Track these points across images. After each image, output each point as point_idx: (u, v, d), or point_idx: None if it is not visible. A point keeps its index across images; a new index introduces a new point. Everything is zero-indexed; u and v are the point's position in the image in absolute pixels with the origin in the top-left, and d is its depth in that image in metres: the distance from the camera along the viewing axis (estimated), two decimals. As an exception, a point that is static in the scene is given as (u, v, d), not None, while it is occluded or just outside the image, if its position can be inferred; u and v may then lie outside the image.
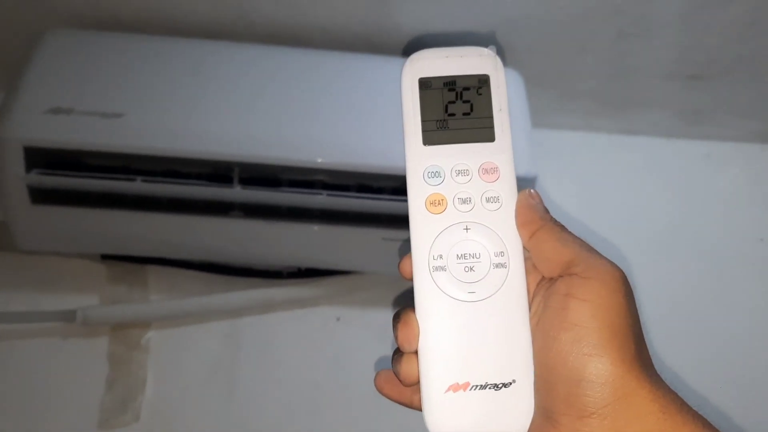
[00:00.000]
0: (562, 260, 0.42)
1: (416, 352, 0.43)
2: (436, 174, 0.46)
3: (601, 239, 1.01)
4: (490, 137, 0.46)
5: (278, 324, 0.94)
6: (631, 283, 0.42)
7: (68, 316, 0.87)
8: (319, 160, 0.80)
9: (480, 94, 0.47)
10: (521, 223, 0.45)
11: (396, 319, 0.44)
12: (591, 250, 0.43)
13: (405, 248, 0.46)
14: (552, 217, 0.45)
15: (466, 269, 0.44)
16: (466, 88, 0.47)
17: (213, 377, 0.90)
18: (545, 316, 0.42)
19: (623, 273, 0.42)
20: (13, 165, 0.77)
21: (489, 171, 0.46)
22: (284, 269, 0.94)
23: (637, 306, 0.44)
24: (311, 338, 0.94)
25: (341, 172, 0.81)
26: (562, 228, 0.45)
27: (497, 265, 0.44)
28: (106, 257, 0.93)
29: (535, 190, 0.46)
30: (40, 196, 0.80)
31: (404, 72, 0.47)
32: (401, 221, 0.83)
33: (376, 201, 0.81)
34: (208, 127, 0.79)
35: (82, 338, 0.90)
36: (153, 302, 0.93)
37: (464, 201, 0.45)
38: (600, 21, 0.90)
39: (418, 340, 0.43)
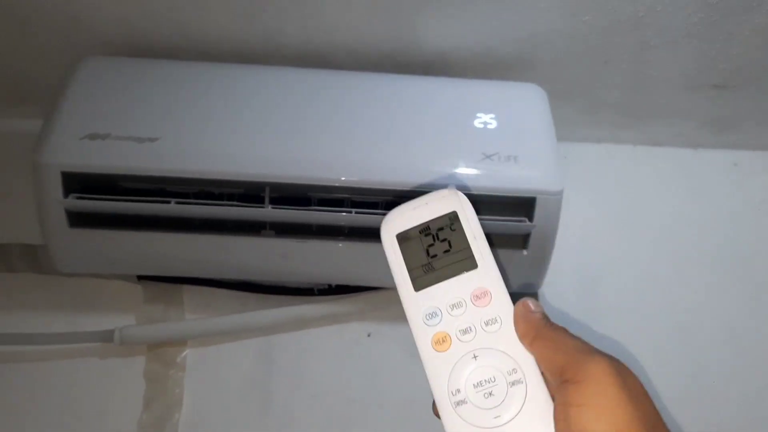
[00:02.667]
0: (556, 367, 0.43)
1: None
2: (434, 314, 0.48)
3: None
4: (473, 265, 0.49)
5: (311, 340, 0.95)
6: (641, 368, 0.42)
7: (106, 336, 0.89)
8: (348, 179, 0.81)
9: (454, 230, 0.51)
10: (520, 335, 0.46)
11: None
12: (584, 350, 0.43)
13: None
14: (548, 323, 0.46)
15: (486, 395, 0.45)
16: (441, 228, 0.51)
17: (248, 394, 0.92)
18: (557, 428, 0.42)
19: (618, 366, 0.41)
20: (51, 190, 0.79)
21: (480, 296, 0.48)
22: (315, 286, 0.95)
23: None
24: (343, 354, 0.95)
25: (369, 190, 0.81)
26: (558, 333, 0.45)
27: (513, 383, 0.45)
28: (142, 278, 0.95)
29: (531, 300, 0.48)
30: (78, 219, 0.82)
31: (382, 232, 0.52)
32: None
33: (404, 217, 0.81)
34: (240, 149, 0.81)
35: (119, 357, 0.92)
36: (188, 321, 0.94)
37: (465, 331, 0.47)
38: (623, 33, 0.90)
39: None
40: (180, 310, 0.95)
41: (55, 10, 0.87)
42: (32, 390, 0.90)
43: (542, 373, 0.45)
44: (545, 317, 0.47)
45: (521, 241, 0.84)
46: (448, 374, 0.46)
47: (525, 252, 0.84)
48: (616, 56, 0.94)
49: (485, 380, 0.46)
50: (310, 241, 0.84)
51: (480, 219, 0.80)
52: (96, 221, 0.82)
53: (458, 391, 0.46)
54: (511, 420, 0.44)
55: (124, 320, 0.92)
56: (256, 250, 0.85)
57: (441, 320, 0.48)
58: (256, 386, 0.92)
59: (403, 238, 0.51)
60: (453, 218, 0.51)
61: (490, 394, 0.45)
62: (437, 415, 0.47)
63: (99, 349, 0.91)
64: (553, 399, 0.44)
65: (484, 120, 0.86)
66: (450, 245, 0.50)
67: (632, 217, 1.06)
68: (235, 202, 0.81)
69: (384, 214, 0.80)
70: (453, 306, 0.48)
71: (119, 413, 0.89)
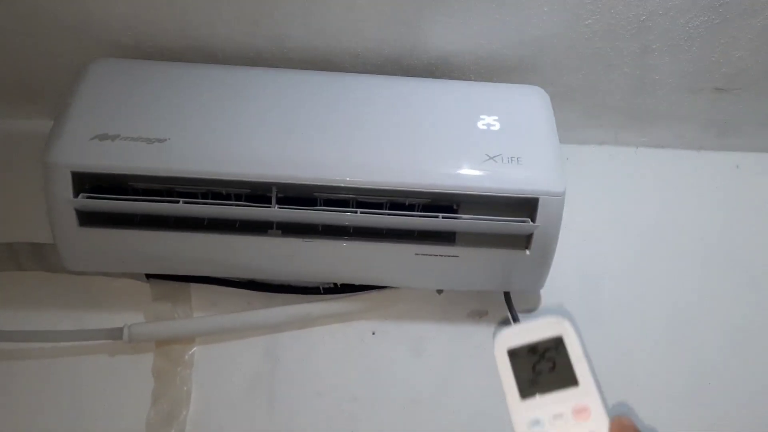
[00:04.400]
0: None
1: None
2: (537, 422, 0.53)
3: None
4: (574, 383, 0.54)
5: (316, 338, 0.96)
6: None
7: (115, 334, 0.90)
8: (353, 179, 0.82)
9: (558, 351, 0.56)
10: None
11: None
12: None
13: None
14: None
15: None
16: (547, 349, 0.56)
17: (254, 390, 0.93)
18: None
19: None
20: (61, 190, 0.81)
21: (580, 411, 0.53)
22: (321, 285, 0.97)
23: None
24: (348, 352, 0.96)
25: (374, 191, 0.83)
26: None
27: None
28: (150, 276, 0.96)
29: (625, 418, 0.53)
30: (87, 218, 0.83)
31: (495, 346, 0.57)
32: (433, 237, 0.85)
33: (407, 218, 0.83)
34: (247, 150, 0.82)
35: (128, 355, 0.93)
36: (196, 319, 0.96)
37: None
38: (625, 37, 0.91)
39: None
40: (188, 308, 0.96)
41: (66, 12, 0.89)
42: (42, 386, 0.92)
43: None
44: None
45: (524, 241, 0.85)
46: None
47: (527, 252, 0.85)
48: (618, 59, 0.95)
49: None
50: (316, 240, 0.85)
51: (483, 219, 0.82)
52: (105, 220, 0.84)
53: None
54: None
55: (132, 318, 0.93)
56: (262, 249, 0.86)
57: (543, 429, 0.53)
58: (262, 383, 0.93)
59: (512, 353, 0.56)
60: (558, 342, 0.56)
61: None
62: None
63: (108, 347, 0.93)
64: None
65: (488, 122, 0.87)
66: (554, 364, 0.55)
67: (634, 218, 1.07)
68: (242, 202, 0.83)
69: (389, 215, 0.82)
70: (555, 416, 0.53)
71: (128, 409, 0.91)
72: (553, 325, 0.56)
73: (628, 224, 1.07)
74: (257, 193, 0.83)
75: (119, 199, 0.81)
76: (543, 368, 0.56)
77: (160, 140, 0.82)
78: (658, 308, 1.00)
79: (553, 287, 0.95)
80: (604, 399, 0.54)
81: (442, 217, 0.83)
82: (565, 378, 0.55)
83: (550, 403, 0.54)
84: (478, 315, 0.98)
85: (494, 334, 0.59)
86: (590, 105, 1.05)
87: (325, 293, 0.97)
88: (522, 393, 0.55)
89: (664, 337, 0.99)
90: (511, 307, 0.94)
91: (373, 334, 0.97)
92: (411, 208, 0.84)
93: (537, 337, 0.56)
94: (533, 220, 0.82)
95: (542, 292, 0.98)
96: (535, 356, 0.56)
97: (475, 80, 0.98)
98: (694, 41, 0.92)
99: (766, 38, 0.92)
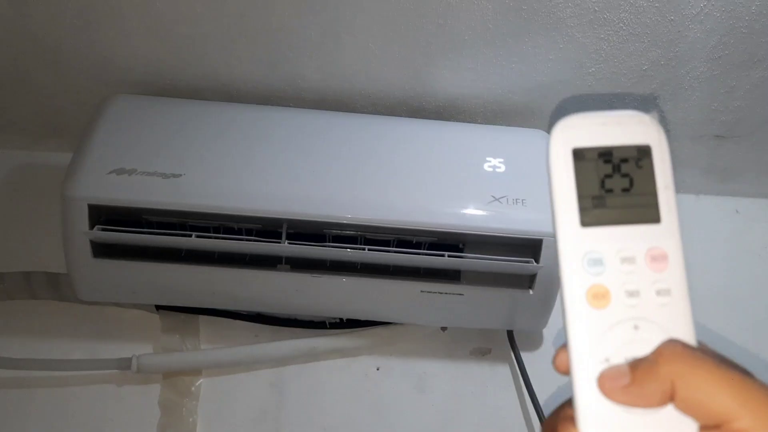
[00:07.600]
0: (715, 409, 0.36)
1: None
2: (597, 261, 0.38)
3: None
4: (655, 218, 0.39)
5: (321, 372, 0.97)
6: None
7: (124, 364, 0.91)
8: (361, 217, 0.84)
9: (640, 167, 0.40)
10: None
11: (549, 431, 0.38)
12: (753, 387, 0.36)
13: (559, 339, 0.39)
14: (705, 349, 0.40)
15: None
16: (625, 160, 0.40)
17: (259, 424, 0.94)
18: None
19: None
20: (78, 221, 0.82)
21: (657, 258, 0.39)
22: (327, 320, 0.98)
23: None
24: (352, 387, 0.97)
25: (381, 228, 0.85)
26: (719, 362, 0.39)
27: None
28: (160, 308, 0.97)
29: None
30: (102, 250, 0.85)
31: (554, 140, 0.40)
32: (438, 275, 0.87)
33: (414, 255, 0.85)
34: (259, 187, 0.84)
35: (136, 385, 0.94)
36: (204, 351, 0.97)
37: (631, 294, 0.38)
38: (627, 85, 0.94)
39: None
40: (196, 340, 0.97)
41: (89, 51, 0.92)
42: (51, 415, 0.92)
43: None
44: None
45: (527, 281, 0.87)
46: (598, 337, 0.38)
47: (531, 292, 0.87)
48: (620, 106, 0.98)
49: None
50: (324, 275, 0.87)
51: (487, 259, 0.84)
52: (119, 252, 0.86)
53: (607, 360, 0.38)
54: (657, 412, 0.37)
55: (141, 349, 0.94)
56: (271, 283, 0.88)
57: (605, 271, 0.38)
58: (267, 417, 0.94)
59: (578, 154, 0.39)
60: (644, 153, 0.39)
61: None
62: (559, 369, 0.39)
63: (116, 376, 0.94)
64: None
65: (494, 164, 0.89)
66: (631, 184, 0.39)
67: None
68: (253, 237, 0.85)
69: (396, 252, 0.84)
70: (624, 259, 0.38)
71: (134, 440, 0.91)
72: (640, 128, 0.40)
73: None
74: (268, 228, 0.85)
75: (133, 232, 0.83)
76: (615, 186, 0.39)
77: (175, 175, 0.84)
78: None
79: (556, 326, 0.96)
80: (685, 255, 0.39)
81: (448, 256, 0.84)
82: (644, 207, 0.39)
83: (618, 240, 0.38)
84: (481, 353, 0.99)
85: (553, 124, 0.40)
86: (593, 150, 1.06)
87: (331, 328, 0.98)
88: (583, 217, 0.39)
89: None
90: (514, 346, 0.96)
91: (378, 369, 0.98)
92: (418, 246, 0.86)
93: (616, 139, 0.39)
94: (537, 261, 0.84)
95: (545, 331, 0.99)
96: (608, 166, 0.39)
97: (481, 123, 1.00)
98: (695, 91, 0.95)
99: (764, 89, 0.94)
